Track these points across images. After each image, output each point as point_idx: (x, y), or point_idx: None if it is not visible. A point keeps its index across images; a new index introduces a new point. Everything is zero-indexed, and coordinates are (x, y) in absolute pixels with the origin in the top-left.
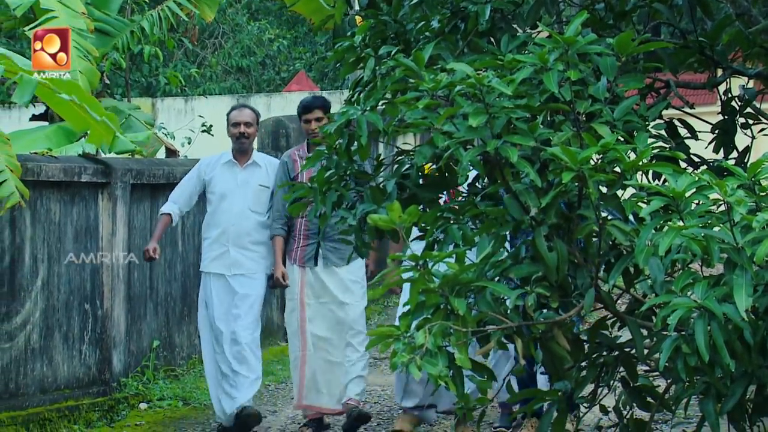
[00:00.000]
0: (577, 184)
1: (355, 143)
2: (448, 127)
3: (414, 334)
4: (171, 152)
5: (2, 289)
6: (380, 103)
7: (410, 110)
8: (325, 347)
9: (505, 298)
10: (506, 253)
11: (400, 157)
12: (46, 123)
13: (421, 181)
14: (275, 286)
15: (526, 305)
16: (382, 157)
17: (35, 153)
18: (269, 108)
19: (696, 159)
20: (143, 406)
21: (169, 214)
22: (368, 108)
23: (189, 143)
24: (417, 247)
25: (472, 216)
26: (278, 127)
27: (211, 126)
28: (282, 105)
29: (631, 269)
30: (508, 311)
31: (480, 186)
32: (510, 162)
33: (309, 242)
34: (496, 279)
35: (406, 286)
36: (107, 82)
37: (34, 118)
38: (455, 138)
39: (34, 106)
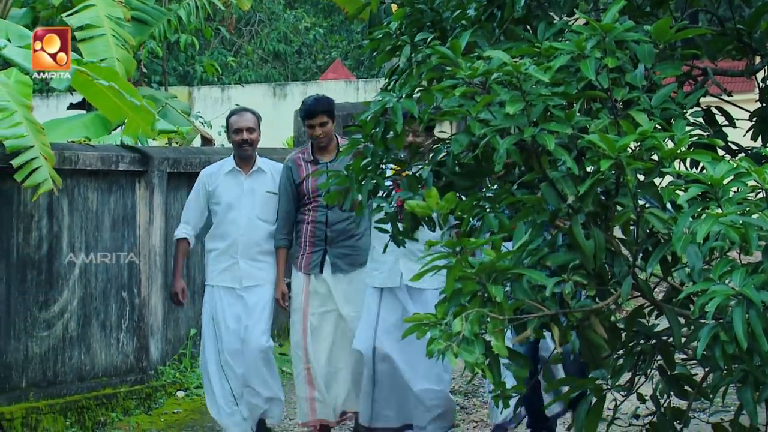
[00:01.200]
0: (614, 171)
1: (391, 132)
2: (485, 115)
3: (450, 322)
4: (207, 141)
5: (40, 277)
6: (416, 91)
7: (446, 98)
8: (326, 359)
9: (543, 285)
10: (543, 241)
11: (436, 146)
12: (84, 111)
13: (457, 169)
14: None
15: (563, 293)
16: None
17: (73, 142)
18: (305, 96)
19: (734, 147)
20: (180, 394)
21: (185, 239)
22: (403, 95)
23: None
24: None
25: (509, 204)
26: None
27: None
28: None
29: (669, 257)
30: (545, 299)
31: (516, 174)
32: (547, 150)
33: (315, 249)
34: (533, 267)
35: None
36: (144, 70)
37: (71, 106)
38: (492, 126)
39: (72, 94)
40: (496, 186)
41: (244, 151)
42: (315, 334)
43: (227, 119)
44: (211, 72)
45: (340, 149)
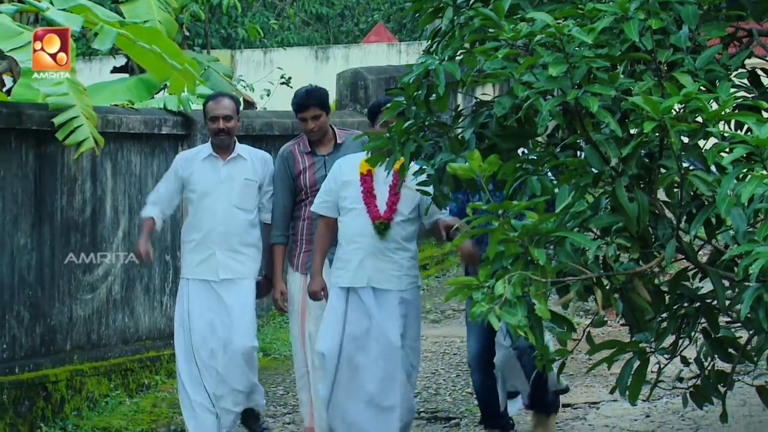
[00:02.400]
0: (658, 134)
1: (434, 94)
2: (528, 77)
3: (493, 284)
4: (249, 104)
5: (84, 240)
6: (458, 53)
7: (489, 60)
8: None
9: (586, 248)
10: (586, 204)
11: (478, 108)
12: (127, 75)
13: (500, 132)
14: (261, 296)
15: (606, 256)
16: (460, 108)
17: (116, 105)
18: (347, 59)
19: None
20: None
21: (152, 218)
22: (446, 58)
23: (268, 95)
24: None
25: (552, 167)
26: (356, 78)
27: (290, 78)
28: (360, 57)
29: (713, 219)
30: (588, 262)
31: (559, 136)
32: (590, 112)
33: (309, 248)
34: (576, 229)
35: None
36: (187, 33)
37: (115, 70)
38: (535, 88)
39: (114, 57)
40: (538, 148)
41: (221, 141)
42: (313, 340)
43: (204, 104)
44: (253, 35)
45: (338, 142)
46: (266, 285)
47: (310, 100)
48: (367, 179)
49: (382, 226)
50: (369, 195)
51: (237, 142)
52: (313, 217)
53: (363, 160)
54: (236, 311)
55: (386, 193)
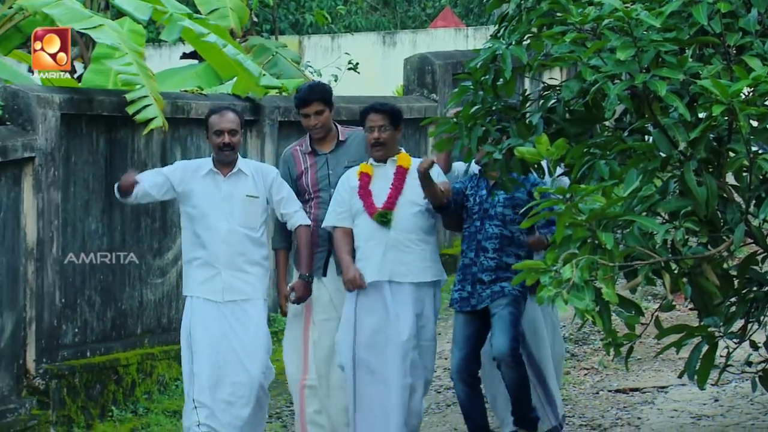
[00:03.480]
0: (727, 117)
1: (501, 79)
2: (596, 61)
3: (560, 268)
4: None
5: (154, 225)
6: (525, 38)
7: (557, 44)
8: (325, 375)
9: (654, 232)
10: (654, 188)
11: (546, 92)
12: (196, 61)
13: (568, 116)
14: (299, 301)
15: (674, 240)
16: (528, 93)
17: (185, 91)
18: (415, 45)
19: None
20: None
21: (134, 184)
22: (513, 42)
23: (336, 81)
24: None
25: (619, 151)
26: (424, 64)
27: (357, 64)
28: (428, 42)
29: None
30: (656, 246)
31: (627, 121)
32: (658, 96)
33: (318, 249)
34: (644, 213)
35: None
36: (255, 19)
37: (184, 56)
38: (603, 72)
39: (184, 44)
40: (606, 133)
41: (225, 156)
42: (317, 346)
43: (207, 117)
44: (321, 21)
45: (341, 139)
46: (304, 285)
47: (312, 95)
48: (363, 177)
49: (381, 218)
50: (364, 192)
51: (239, 157)
52: (320, 224)
53: (363, 165)
54: (248, 338)
55: (387, 189)
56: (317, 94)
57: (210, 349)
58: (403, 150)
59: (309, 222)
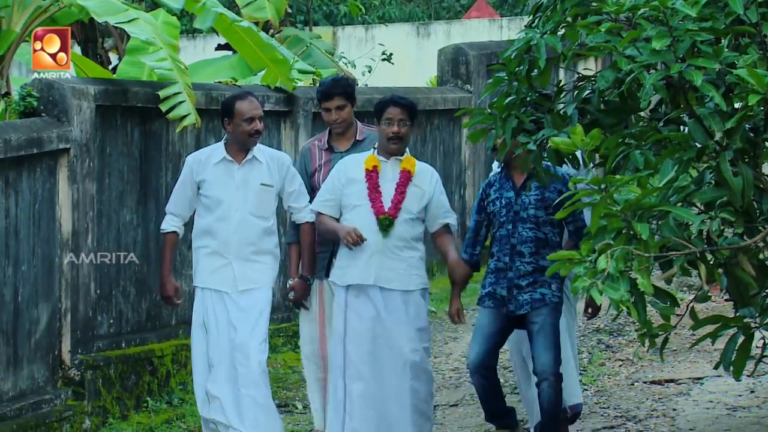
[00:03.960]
0: (763, 107)
1: (535, 69)
2: (631, 51)
3: (595, 259)
4: None
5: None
6: (560, 28)
7: (591, 34)
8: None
9: (689, 223)
10: (689, 178)
11: (581, 83)
12: (230, 53)
13: (602, 106)
14: (296, 301)
15: (710, 231)
16: (562, 83)
17: (219, 82)
18: (449, 35)
19: None
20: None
21: (175, 233)
22: (547, 32)
23: (369, 72)
24: None
25: (654, 141)
26: (458, 54)
27: (391, 54)
28: (462, 32)
29: None
30: (692, 236)
31: (662, 111)
32: (694, 86)
33: (322, 249)
34: (679, 204)
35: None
36: (289, 11)
37: (219, 47)
38: (638, 62)
39: (218, 35)
40: (641, 123)
41: (254, 142)
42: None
43: (230, 104)
44: (354, 12)
45: (358, 138)
46: (303, 286)
47: (335, 88)
48: (372, 175)
49: (386, 222)
50: (374, 191)
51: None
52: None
53: (369, 156)
54: (250, 317)
55: (392, 191)
56: (340, 88)
57: (223, 340)
58: (408, 152)
59: (314, 219)
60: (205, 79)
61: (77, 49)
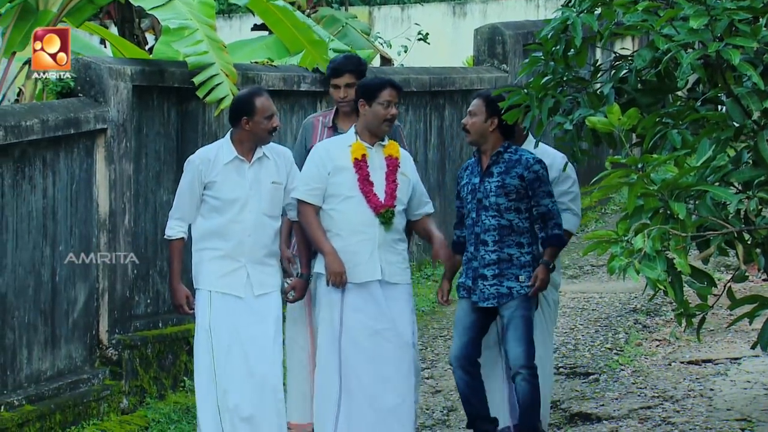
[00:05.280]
0: None
1: (572, 49)
2: (668, 30)
3: (632, 238)
4: (386, 61)
5: None
6: (597, 6)
7: (628, 13)
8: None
9: (727, 202)
10: (727, 158)
11: (618, 62)
12: (267, 33)
13: (639, 86)
14: (296, 300)
15: (747, 210)
16: (599, 63)
17: (256, 62)
18: (485, 15)
19: None
20: None
21: (182, 239)
22: (584, 10)
23: (405, 52)
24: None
25: (692, 121)
26: (494, 34)
27: (427, 34)
28: (498, 12)
29: None
30: (729, 216)
31: (700, 90)
32: (732, 65)
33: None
34: (717, 183)
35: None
36: None
37: (255, 28)
38: (676, 41)
39: (254, 15)
40: (679, 103)
41: (270, 139)
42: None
43: (249, 100)
44: None
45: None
46: (304, 285)
47: (347, 65)
48: (362, 165)
49: (389, 215)
50: (366, 182)
51: None
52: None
53: (354, 144)
54: (268, 332)
55: (382, 180)
56: (351, 65)
57: (234, 349)
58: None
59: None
60: (242, 59)
61: (114, 30)
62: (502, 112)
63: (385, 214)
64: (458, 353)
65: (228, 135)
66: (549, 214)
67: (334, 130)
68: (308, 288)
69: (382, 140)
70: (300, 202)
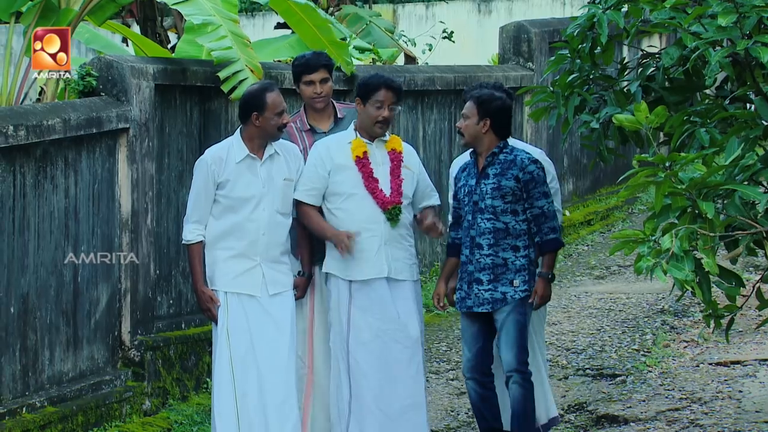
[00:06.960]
0: None
1: (598, 47)
2: (696, 28)
3: (659, 238)
4: (410, 59)
5: None
6: (623, 4)
7: (656, 10)
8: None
9: (755, 202)
10: (756, 156)
11: (645, 60)
12: (290, 32)
13: (667, 84)
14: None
15: None
16: (626, 61)
17: (279, 61)
18: (510, 13)
19: None
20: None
21: (201, 242)
22: (610, 7)
23: (430, 50)
24: None
25: (720, 119)
26: (520, 32)
27: (452, 32)
28: (524, 9)
29: None
30: (758, 215)
31: (728, 88)
32: (761, 62)
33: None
34: (746, 182)
35: None
36: None
37: (278, 26)
38: (704, 38)
39: (277, 13)
40: (707, 101)
41: (280, 136)
42: (317, 337)
43: (260, 96)
44: None
45: (339, 116)
46: (306, 284)
47: (320, 60)
48: (364, 162)
49: (396, 211)
50: (371, 179)
51: None
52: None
53: (355, 141)
54: (284, 337)
55: (386, 176)
56: (324, 59)
57: (248, 358)
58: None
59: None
60: (264, 58)
61: (136, 29)
62: (529, 111)
63: (392, 211)
64: (469, 365)
65: (237, 132)
66: (543, 217)
67: (313, 132)
68: (308, 287)
69: (384, 137)
70: (298, 202)
